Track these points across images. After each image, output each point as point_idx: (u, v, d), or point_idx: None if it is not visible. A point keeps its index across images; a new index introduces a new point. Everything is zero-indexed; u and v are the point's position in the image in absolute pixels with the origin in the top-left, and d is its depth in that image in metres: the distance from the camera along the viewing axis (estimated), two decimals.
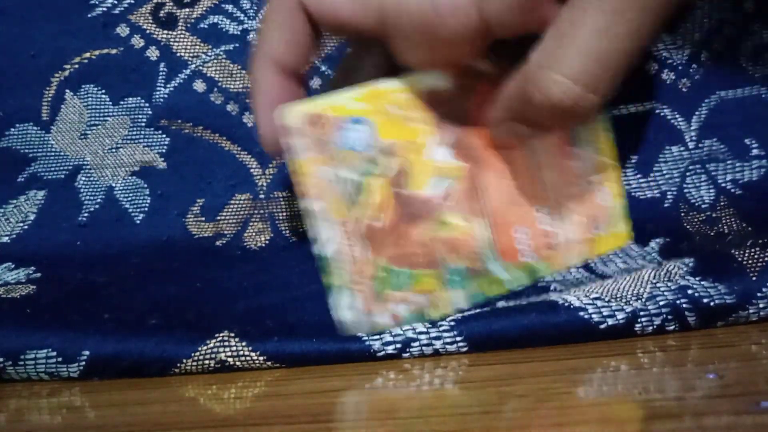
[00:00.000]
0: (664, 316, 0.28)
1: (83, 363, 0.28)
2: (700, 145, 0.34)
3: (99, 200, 0.36)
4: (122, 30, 0.37)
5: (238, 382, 0.28)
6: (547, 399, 0.23)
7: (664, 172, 0.35)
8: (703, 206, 0.34)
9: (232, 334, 0.29)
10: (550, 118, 0.27)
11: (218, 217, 0.36)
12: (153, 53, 0.37)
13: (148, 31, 0.37)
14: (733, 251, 0.30)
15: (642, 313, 0.28)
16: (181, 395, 0.27)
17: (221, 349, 0.28)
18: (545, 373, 0.25)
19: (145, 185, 0.37)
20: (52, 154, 0.37)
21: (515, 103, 0.28)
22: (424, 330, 0.28)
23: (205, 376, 0.29)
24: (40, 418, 0.25)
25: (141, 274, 0.34)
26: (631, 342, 0.28)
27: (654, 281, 0.28)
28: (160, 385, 0.28)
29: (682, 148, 0.35)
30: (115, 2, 0.37)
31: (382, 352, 0.27)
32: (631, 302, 0.28)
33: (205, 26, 0.38)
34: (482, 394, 0.24)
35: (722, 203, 0.33)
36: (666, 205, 0.34)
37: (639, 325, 0.28)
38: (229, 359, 0.28)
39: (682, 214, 0.34)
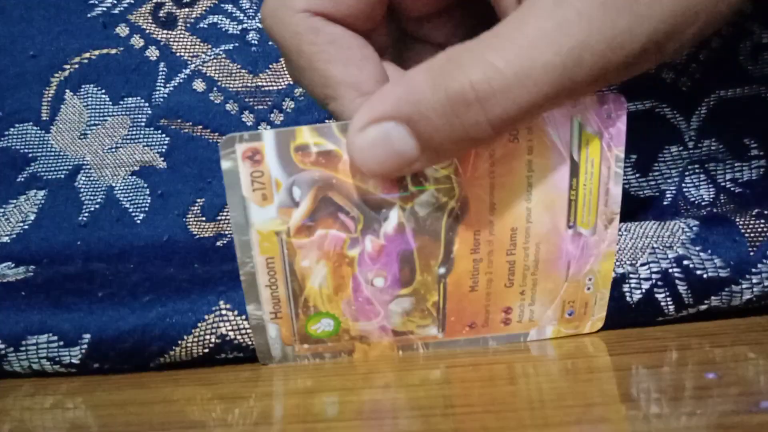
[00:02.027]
0: (654, 281, 0.28)
1: (84, 346, 0.29)
2: (699, 144, 0.34)
3: (99, 200, 0.36)
4: (122, 30, 0.37)
5: (238, 382, 0.28)
6: (547, 399, 0.23)
7: (663, 171, 0.35)
8: (703, 203, 0.34)
9: (229, 306, 0.29)
10: (448, 119, 0.22)
11: (218, 217, 0.36)
12: (153, 53, 0.37)
13: (147, 31, 0.37)
14: (735, 218, 0.30)
15: (632, 276, 0.28)
16: (181, 395, 0.27)
17: (221, 323, 0.29)
18: (545, 373, 0.25)
19: (145, 185, 0.37)
20: (52, 154, 0.37)
21: (417, 102, 0.22)
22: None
23: (205, 375, 0.29)
24: (41, 418, 0.25)
25: (140, 267, 0.34)
26: (631, 341, 0.28)
27: (655, 246, 0.29)
28: (161, 385, 0.28)
29: (681, 148, 0.35)
30: (115, 2, 0.37)
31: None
32: (624, 265, 0.29)
33: (205, 26, 0.38)
34: (482, 393, 0.24)
35: (722, 200, 0.33)
36: (665, 203, 0.35)
37: (627, 286, 0.28)
38: (230, 333, 0.29)
39: (682, 211, 0.34)
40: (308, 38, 0.24)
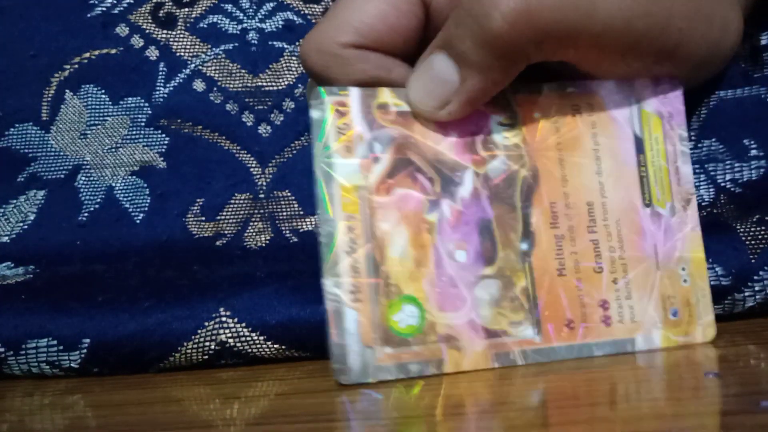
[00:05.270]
0: None
1: (84, 351, 0.29)
2: (700, 145, 0.34)
3: (99, 200, 0.36)
4: (122, 30, 0.37)
5: (238, 382, 0.28)
6: (547, 399, 0.23)
7: None
8: (703, 204, 0.34)
9: (229, 313, 0.29)
10: (465, 23, 0.25)
11: (218, 217, 0.36)
12: (152, 53, 0.37)
13: (147, 31, 0.37)
14: (735, 225, 0.30)
15: None
16: (181, 395, 0.27)
17: (221, 331, 0.29)
18: (545, 373, 0.25)
19: (145, 185, 0.37)
20: (52, 154, 0.37)
21: (449, 28, 0.25)
22: None
23: (205, 375, 0.29)
24: (40, 418, 0.25)
25: (140, 268, 0.34)
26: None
27: None
28: (160, 385, 0.28)
29: None
30: (115, 2, 0.37)
31: None
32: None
33: (205, 26, 0.38)
34: (482, 394, 0.24)
35: (722, 200, 0.33)
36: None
37: None
38: (230, 340, 0.29)
39: None
40: (359, 67, 0.26)
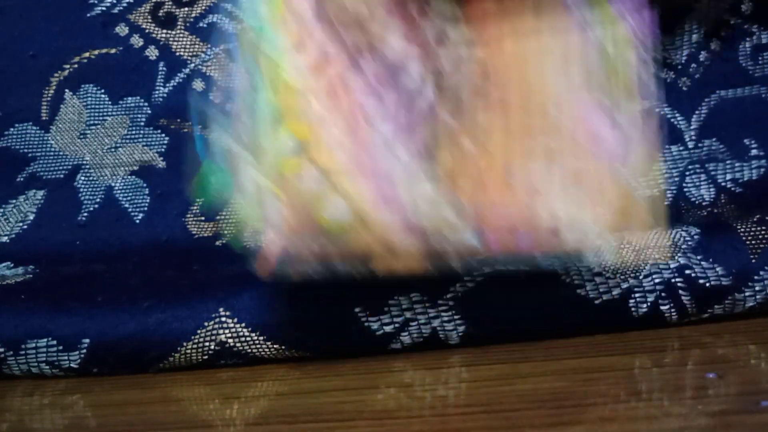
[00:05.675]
0: (658, 293, 0.28)
1: (84, 351, 0.29)
2: (700, 144, 0.34)
3: (98, 200, 0.36)
4: (121, 29, 0.37)
5: (238, 382, 0.28)
6: (547, 398, 0.23)
7: (664, 171, 0.35)
8: (703, 203, 0.34)
9: (228, 313, 0.29)
10: None
11: (218, 217, 0.36)
12: (152, 52, 0.37)
13: (147, 31, 0.37)
14: (736, 225, 0.30)
15: (636, 290, 0.28)
16: (180, 395, 0.27)
17: (221, 331, 0.29)
18: (545, 373, 0.25)
19: (145, 185, 0.37)
20: (52, 153, 0.36)
21: None
22: (423, 310, 0.28)
23: (204, 375, 0.29)
24: (40, 418, 0.25)
25: (140, 268, 0.34)
26: (631, 341, 0.28)
27: (656, 255, 0.29)
28: (160, 385, 0.28)
29: (681, 148, 0.35)
30: (114, 2, 0.37)
31: (381, 332, 0.28)
32: (628, 279, 0.28)
33: (204, 25, 0.38)
34: (482, 393, 0.24)
35: (723, 200, 0.33)
36: (666, 203, 0.34)
37: (633, 300, 0.28)
38: (229, 340, 0.29)
39: (683, 212, 0.34)
40: None
